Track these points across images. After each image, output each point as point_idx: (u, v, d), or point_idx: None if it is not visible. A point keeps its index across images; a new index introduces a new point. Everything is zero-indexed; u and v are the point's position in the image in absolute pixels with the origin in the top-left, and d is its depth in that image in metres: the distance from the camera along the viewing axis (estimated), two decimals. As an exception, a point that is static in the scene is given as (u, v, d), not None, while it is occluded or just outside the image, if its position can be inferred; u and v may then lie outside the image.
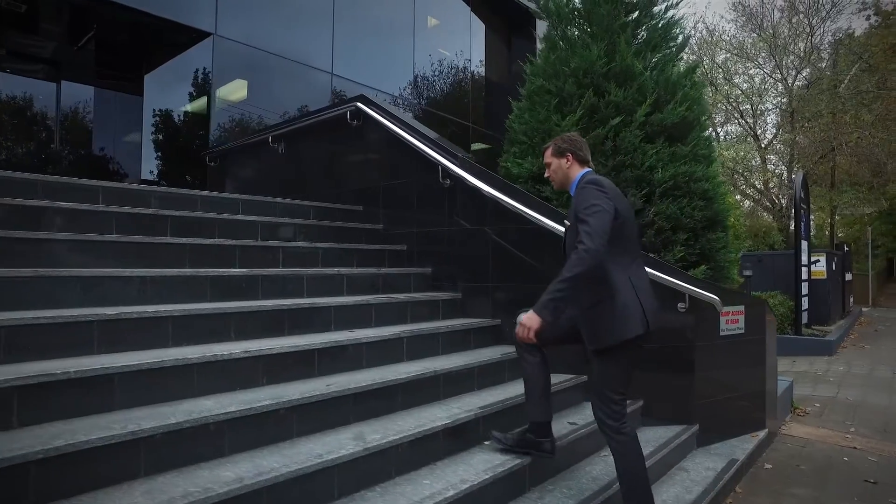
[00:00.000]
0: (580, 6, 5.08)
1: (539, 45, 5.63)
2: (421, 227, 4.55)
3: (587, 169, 2.57)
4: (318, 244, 3.96)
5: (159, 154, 8.15)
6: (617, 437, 2.33)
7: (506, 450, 2.63)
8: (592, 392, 2.44)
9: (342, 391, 2.51)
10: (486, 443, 2.74)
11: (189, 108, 8.10)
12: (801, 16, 18.49)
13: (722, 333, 3.73)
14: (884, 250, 27.94)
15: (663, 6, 5.00)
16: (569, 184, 2.57)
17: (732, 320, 3.79)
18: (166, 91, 8.15)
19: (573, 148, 2.56)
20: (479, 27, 13.12)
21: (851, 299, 14.71)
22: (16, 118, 8.41)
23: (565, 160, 2.56)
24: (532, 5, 13.47)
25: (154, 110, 8.02)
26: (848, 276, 14.24)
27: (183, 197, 3.79)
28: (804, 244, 9.30)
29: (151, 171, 7.91)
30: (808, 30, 18.48)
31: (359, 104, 4.98)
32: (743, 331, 3.84)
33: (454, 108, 12.02)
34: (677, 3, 5.02)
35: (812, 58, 18.45)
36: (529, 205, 3.80)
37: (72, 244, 2.78)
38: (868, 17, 18.70)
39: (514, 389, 3.12)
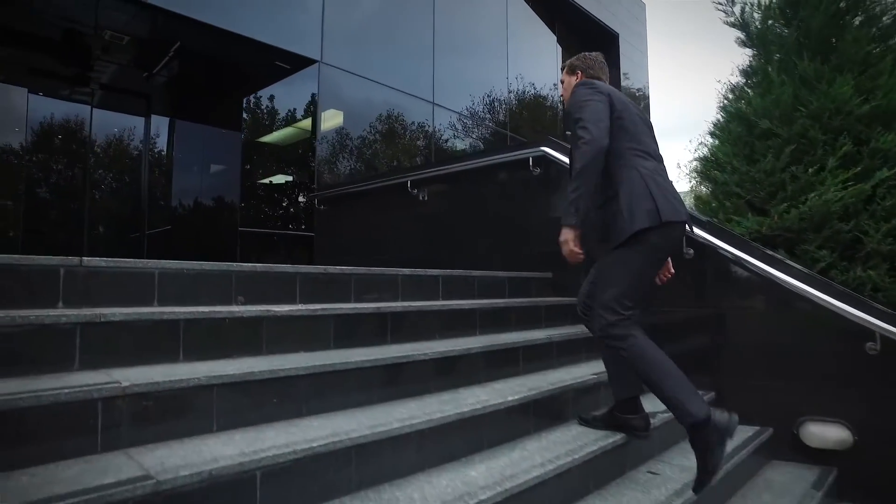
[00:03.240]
0: (808, 33, 4.21)
1: (740, 78, 4.72)
2: (662, 313, 3.64)
3: None
4: (552, 333, 3.11)
5: (257, 195, 7.44)
6: (625, 342, 2.10)
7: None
8: (597, 299, 2.21)
9: None
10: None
11: (291, 141, 7.40)
12: None
13: None
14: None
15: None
16: None
17: None
18: (263, 123, 7.46)
19: (585, 65, 2.48)
20: (555, 49, 12.36)
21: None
22: (106, 151, 7.89)
23: (575, 78, 2.47)
24: (618, 29, 12.89)
25: (251, 143, 7.33)
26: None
27: (387, 279, 2.95)
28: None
29: (250, 216, 7.17)
30: None
31: (545, 149, 4.15)
32: None
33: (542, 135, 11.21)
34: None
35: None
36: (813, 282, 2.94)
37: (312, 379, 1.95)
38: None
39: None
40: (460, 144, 9.10)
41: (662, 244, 2.16)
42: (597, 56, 2.51)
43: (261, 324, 2.12)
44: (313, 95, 6.86)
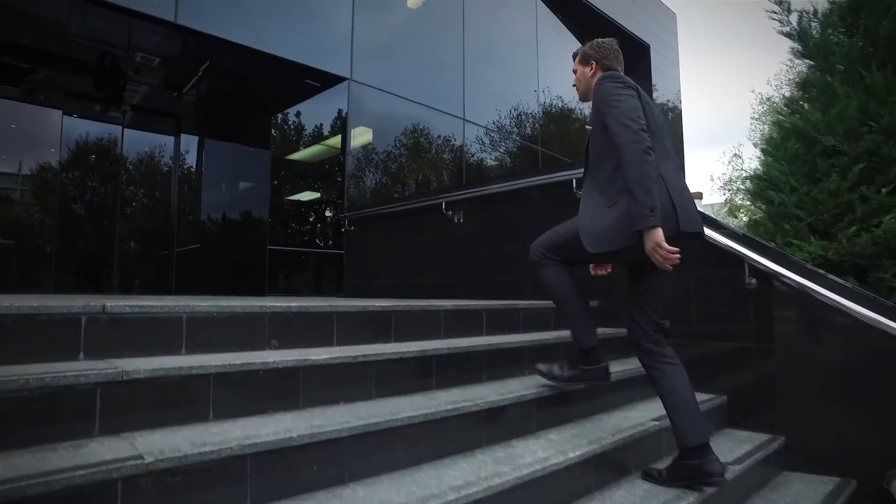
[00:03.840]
0: (875, 41, 3.91)
1: (791, 91, 4.43)
2: (718, 347, 3.36)
3: None
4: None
5: (286, 213, 7.33)
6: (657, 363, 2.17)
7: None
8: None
9: None
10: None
11: (320, 159, 7.29)
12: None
13: None
14: None
15: None
16: (591, 94, 2.28)
17: None
18: (292, 141, 7.37)
19: (600, 55, 2.36)
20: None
21: None
22: (137, 169, 7.91)
23: (589, 68, 2.37)
24: (649, 40, 12.60)
25: (280, 161, 7.24)
26: None
27: (428, 314, 2.74)
28: None
29: (279, 233, 7.05)
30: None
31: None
32: None
33: (569, 151, 10.98)
34: None
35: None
36: None
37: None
38: None
39: None
40: (490, 161, 8.90)
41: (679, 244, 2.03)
42: (611, 43, 2.38)
43: (297, 374, 1.93)
44: (342, 113, 6.75)
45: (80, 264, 7.45)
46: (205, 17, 5.47)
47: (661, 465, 2.32)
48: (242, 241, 7.85)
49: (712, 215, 4.09)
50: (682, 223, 2.00)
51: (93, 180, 7.58)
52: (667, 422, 2.27)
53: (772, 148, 4.33)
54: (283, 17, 6.12)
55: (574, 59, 2.45)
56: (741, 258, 3.14)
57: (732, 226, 3.32)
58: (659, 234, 1.90)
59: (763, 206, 4.44)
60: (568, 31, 11.26)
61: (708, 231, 3.26)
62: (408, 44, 7.54)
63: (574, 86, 2.46)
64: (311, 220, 7.52)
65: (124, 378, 1.56)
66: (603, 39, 2.40)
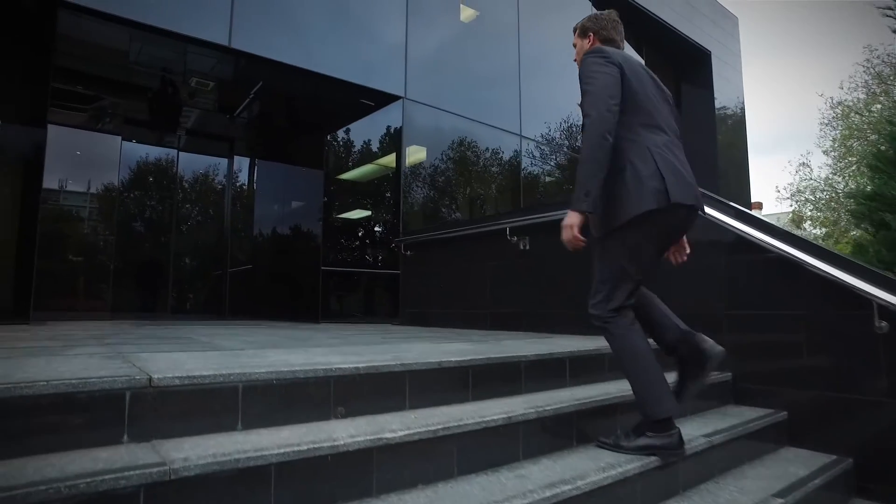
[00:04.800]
0: None
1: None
2: (841, 401, 2.91)
3: None
4: (712, 434, 2.47)
5: (340, 233, 7.16)
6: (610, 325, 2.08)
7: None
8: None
9: None
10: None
11: (374, 178, 7.11)
12: None
13: None
14: None
15: None
16: None
17: None
18: (346, 160, 7.22)
19: (597, 26, 2.28)
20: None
21: None
22: (191, 191, 7.95)
23: (588, 41, 2.29)
24: (710, 46, 12.00)
25: (333, 181, 7.09)
26: None
27: (508, 366, 2.42)
28: None
29: (332, 254, 6.86)
30: None
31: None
32: None
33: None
34: None
35: None
36: None
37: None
38: None
39: None
40: (548, 178, 8.53)
41: (669, 226, 2.03)
42: (609, 14, 2.31)
43: (370, 457, 1.64)
44: (397, 131, 6.54)
45: (137, 284, 7.48)
46: (258, 39, 5.36)
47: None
48: (295, 261, 7.72)
49: (812, 240, 3.63)
50: (672, 195, 1.92)
51: (150, 200, 7.66)
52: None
53: (883, 163, 3.83)
54: (337, 36, 5.97)
55: (574, 34, 2.38)
56: (868, 298, 2.69)
57: (859, 261, 2.87)
58: (578, 218, 1.96)
59: (871, 229, 3.93)
60: (625, 41, 10.81)
61: (822, 265, 2.84)
62: (461, 59, 7.30)
63: (575, 61, 2.35)
64: (365, 240, 7.32)
65: (172, 477, 1.30)
66: (602, 12, 2.33)
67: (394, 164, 6.55)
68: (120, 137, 7.17)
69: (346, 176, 7.24)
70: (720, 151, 12.00)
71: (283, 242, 8.09)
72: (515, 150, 7.67)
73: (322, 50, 5.81)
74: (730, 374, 3.23)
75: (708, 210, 3.44)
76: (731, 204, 3.49)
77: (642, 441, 2.08)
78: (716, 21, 12.43)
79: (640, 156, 1.97)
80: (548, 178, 8.78)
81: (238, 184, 8.23)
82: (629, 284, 2.09)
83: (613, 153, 1.96)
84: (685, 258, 2.31)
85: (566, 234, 1.99)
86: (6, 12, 4.67)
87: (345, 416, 1.89)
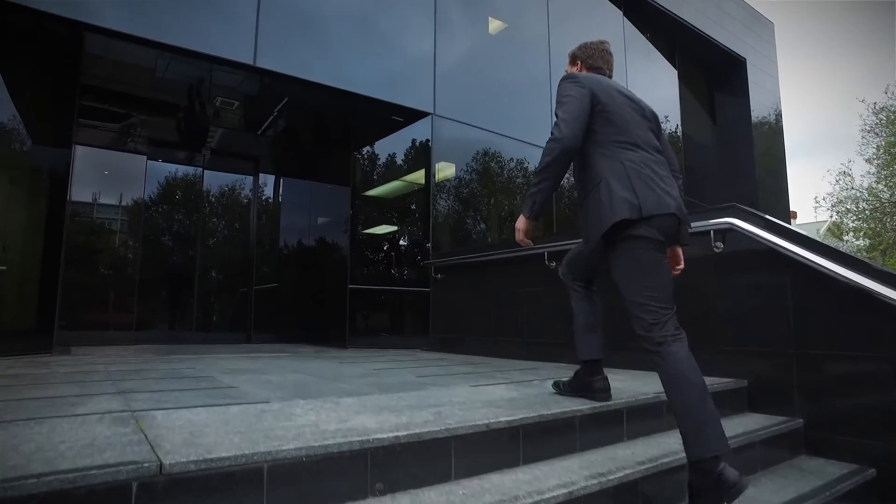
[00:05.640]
0: None
1: None
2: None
3: None
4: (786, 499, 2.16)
5: (367, 251, 6.96)
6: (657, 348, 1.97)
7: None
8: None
9: None
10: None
11: (402, 194, 6.91)
12: None
13: None
14: None
15: None
16: None
17: None
18: (373, 177, 7.04)
19: (584, 55, 2.42)
20: (674, 81, 11.21)
21: None
22: (215, 209, 7.88)
23: (576, 68, 2.43)
24: (745, 53, 11.59)
25: (360, 198, 6.90)
26: None
27: (559, 423, 2.15)
28: None
29: (360, 272, 6.65)
30: None
31: (733, 220, 3.22)
32: None
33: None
34: None
35: None
36: None
37: None
38: None
39: None
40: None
41: (655, 235, 2.03)
42: (598, 44, 2.43)
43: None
44: (425, 147, 6.34)
45: (162, 302, 7.41)
46: (284, 57, 5.22)
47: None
48: (322, 279, 7.54)
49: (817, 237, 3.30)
50: (644, 209, 1.99)
51: (176, 217, 7.59)
52: None
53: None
54: (364, 52, 5.81)
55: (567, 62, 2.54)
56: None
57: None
58: (525, 223, 2.27)
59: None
60: (657, 52, 10.51)
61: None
62: (491, 73, 7.08)
63: None
64: (393, 257, 7.10)
65: None
66: (591, 41, 2.45)
67: (422, 181, 6.35)
68: (145, 157, 7.11)
69: (373, 192, 7.06)
70: (756, 160, 11.56)
71: (309, 260, 7.93)
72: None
73: (349, 66, 5.65)
74: (801, 420, 2.91)
75: (765, 234, 3.15)
76: (793, 229, 3.19)
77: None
78: (751, 27, 12.03)
79: (614, 172, 2.06)
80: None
81: (264, 200, 8.11)
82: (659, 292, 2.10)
83: (589, 170, 2.14)
84: (678, 272, 2.36)
85: (517, 236, 2.30)
86: (37, 38, 4.61)
87: (384, 492, 1.65)
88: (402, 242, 6.98)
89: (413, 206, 6.73)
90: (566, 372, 3.51)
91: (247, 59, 4.97)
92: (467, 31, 6.94)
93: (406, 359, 4.57)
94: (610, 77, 2.40)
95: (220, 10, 4.93)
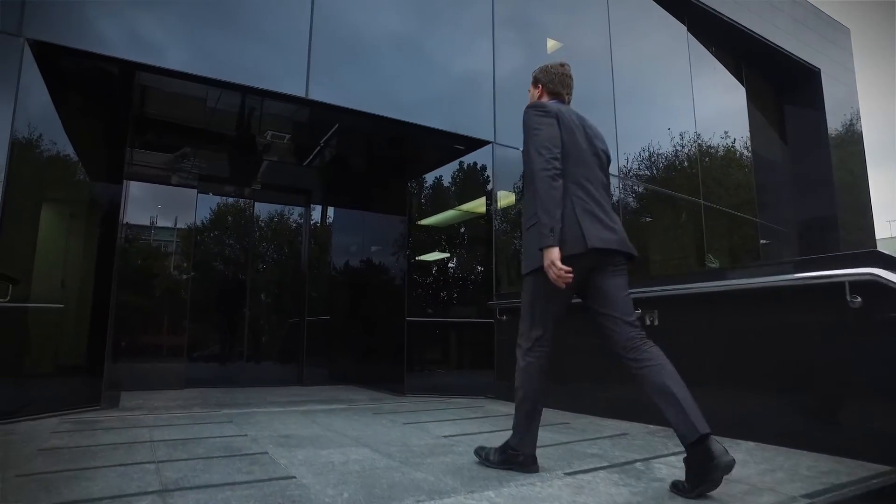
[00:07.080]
0: None
1: None
2: None
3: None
4: None
5: (425, 282, 6.59)
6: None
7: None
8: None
9: None
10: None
11: (461, 223, 6.55)
12: None
13: None
14: None
15: None
16: None
17: None
18: (430, 207, 6.70)
19: (546, 79, 2.48)
20: (741, 97, 10.51)
21: None
22: (267, 240, 7.72)
23: (538, 91, 2.50)
24: (819, 63, 10.79)
25: (417, 228, 6.57)
26: None
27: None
28: None
29: (418, 304, 6.27)
30: None
31: (876, 271, 2.67)
32: None
33: (732, 199, 9.48)
34: None
35: None
36: None
37: None
38: None
39: None
40: (647, 219, 7.68)
41: (584, 269, 2.17)
42: (559, 69, 2.47)
43: None
44: (485, 176, 5.97)
45: (213, 350, 7.25)
46: (336, 89, 4.96)
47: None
48: (377, 312, 7.21)
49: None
50: (589, 241, 2.10)
51: (226, 249, 7.48)
52: None
53: None
54: (418, 79, 5.51)
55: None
56: None
57: None
58: (554, 252, 2.09)
59: None
60: (722, 66, 9.88)
61: None
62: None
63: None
64: (453, 289, 6.69)
65: None
66: (553, 64, 2.50)
67: (482, 209, 5.98)
68: (196, 190, 7.01)
69: (429, 221, 6.71)
70: (834, 175, 10.70)
71: (363, 292, 7.63)
72: (613, 190, 6.91)
73: (404, 96, 5.35)
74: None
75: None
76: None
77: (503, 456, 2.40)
78: (825, 35, 11.23)
79: (564, 206, 2.15)
80: (647, 219, 7.93)
81: (316, 232, 7.89)
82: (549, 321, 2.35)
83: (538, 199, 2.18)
84: None
85: (552, 273, 2.11)
86: (91, 76, 4.49)
87: None
88: (462, 273, 6.59)
89: (474, 236, 6.35)
90: (659, 437, 3.02)
91: (299, 92, 4.72)
92: (526, 55, 6.56)
93: (474, 416, 4.14)
94: (568, 102, 2.49)
95: (275, 43, 4.73)
